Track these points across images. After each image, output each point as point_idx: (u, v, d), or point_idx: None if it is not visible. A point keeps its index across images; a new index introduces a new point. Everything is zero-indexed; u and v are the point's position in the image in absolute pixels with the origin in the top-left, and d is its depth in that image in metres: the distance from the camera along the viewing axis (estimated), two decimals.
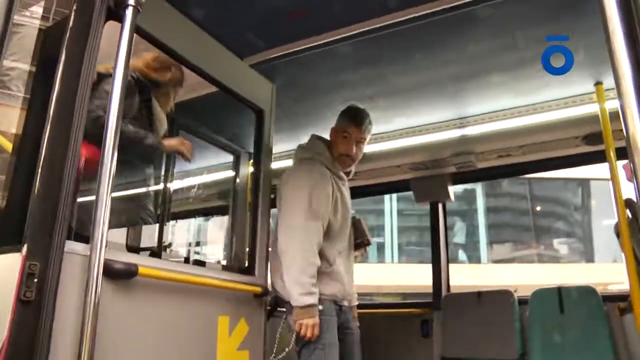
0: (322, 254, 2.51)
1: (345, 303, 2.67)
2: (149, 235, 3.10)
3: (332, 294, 2.56)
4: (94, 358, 1.61)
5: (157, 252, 2.90)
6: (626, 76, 1.00)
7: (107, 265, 1.77)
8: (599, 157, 3.18)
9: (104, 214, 1.72)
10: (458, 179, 4.27)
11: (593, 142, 3.35)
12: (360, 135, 2.73)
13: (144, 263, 2.01)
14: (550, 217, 25.99)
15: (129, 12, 1.88)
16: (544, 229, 25.92)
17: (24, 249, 1.57)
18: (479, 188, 21.93)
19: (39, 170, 1.64)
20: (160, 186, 3.24)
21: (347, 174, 2.86)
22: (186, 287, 2.22)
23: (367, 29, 2.50)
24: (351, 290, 2.74)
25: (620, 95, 1.05)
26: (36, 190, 1.64)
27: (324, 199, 2.56)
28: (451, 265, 4.50)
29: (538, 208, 24.85)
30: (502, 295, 3.95)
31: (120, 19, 1.88)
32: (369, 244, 2.99)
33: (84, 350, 1.61)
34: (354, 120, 2.73)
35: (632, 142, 0.98)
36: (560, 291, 3.71)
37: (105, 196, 1.73)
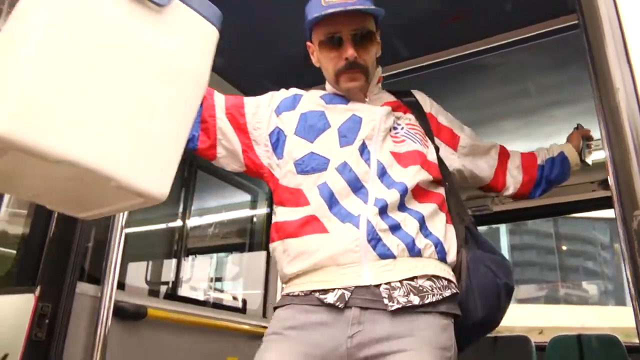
0: None
1: None
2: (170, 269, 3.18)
3: None
4: None
5: (171, 292, 2.96)
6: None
7: (117, 307, 1.82)
8: None
9: (115, 257, 1.78)
10: (475, 222, 4.25)
11: (609, 187, 3.32)
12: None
13: (154, 305, 2.05)
14: (577, 256, 25.38)
15: None
16: (571, 268, 25.28)
17: (37, 290, 1.63)
18: (502, 225, 21.66)
19: (55, 214, 1.72)
20: (179, 223, 3.32)
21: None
22: (196, 328, 2.25)
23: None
24: None
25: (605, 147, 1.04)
26: (51, 234, 1.72)
27: None
28: None
29: (564, 247, 24.31)
30: (519, 341, 3.86)
31: None
32: None
33: None
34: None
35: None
36: (580, 339, 3.62)
37: (117, 240, 1.80)
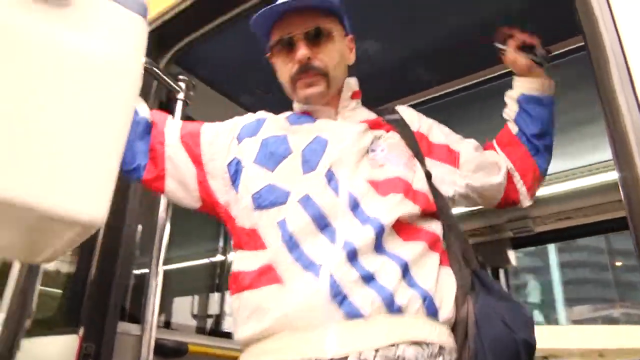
0: None
1: None
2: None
3: None
4: None
5: (214, 327, 3.01)
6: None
7: (158, 345, 1.86)
8: None
9: (154, 296, 1.83)
10: (517, 243, 4.14)
11: None
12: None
13: (195, 341, 2.09)
14: (634, 271, 24.21)
15: (178, 106, 2.08)
16: (629, 284, 24.09)
17: (81, 331, 1.69)
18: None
19: (95, 258, 1.78)
20: (220, 257, 3.39)
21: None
22: None
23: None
24: None
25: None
26: (92, 274, 1.78)
27: None
28: None
29: (618, 263, 23.25)
30: None
31: (172, 111, 2.08)
32: None
33: None
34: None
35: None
36: None
37: (156, 278, 1.86)
